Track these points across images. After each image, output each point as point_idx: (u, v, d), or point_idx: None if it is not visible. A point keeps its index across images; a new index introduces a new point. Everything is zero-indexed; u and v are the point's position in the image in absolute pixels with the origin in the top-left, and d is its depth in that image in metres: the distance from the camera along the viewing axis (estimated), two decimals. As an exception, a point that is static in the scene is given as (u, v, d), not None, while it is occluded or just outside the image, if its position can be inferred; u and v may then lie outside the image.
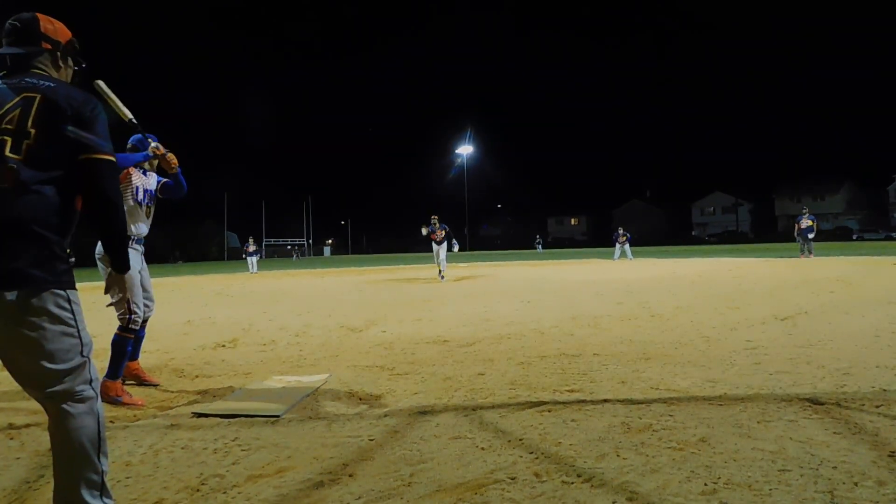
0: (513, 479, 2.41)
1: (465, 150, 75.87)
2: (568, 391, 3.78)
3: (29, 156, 1.91)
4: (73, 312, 1.94)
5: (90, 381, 1.99)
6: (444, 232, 16.66)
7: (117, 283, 2.27)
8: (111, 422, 3.41)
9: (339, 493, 2.33)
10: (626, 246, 27.90)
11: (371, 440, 2.95)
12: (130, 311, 3.99)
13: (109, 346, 3.98)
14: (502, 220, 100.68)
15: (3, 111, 1.94)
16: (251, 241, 28.67)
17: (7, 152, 1.89)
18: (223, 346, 6.18)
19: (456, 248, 17.09)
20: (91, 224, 2.05)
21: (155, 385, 4.34)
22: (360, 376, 4.43)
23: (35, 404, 3.63)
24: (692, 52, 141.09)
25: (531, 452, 2.70)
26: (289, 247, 75.54)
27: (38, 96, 1.98)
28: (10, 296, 1.81)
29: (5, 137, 1.91)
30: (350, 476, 2.50)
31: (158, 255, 62.42)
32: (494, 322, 7.25)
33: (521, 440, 2.86)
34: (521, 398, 3.65)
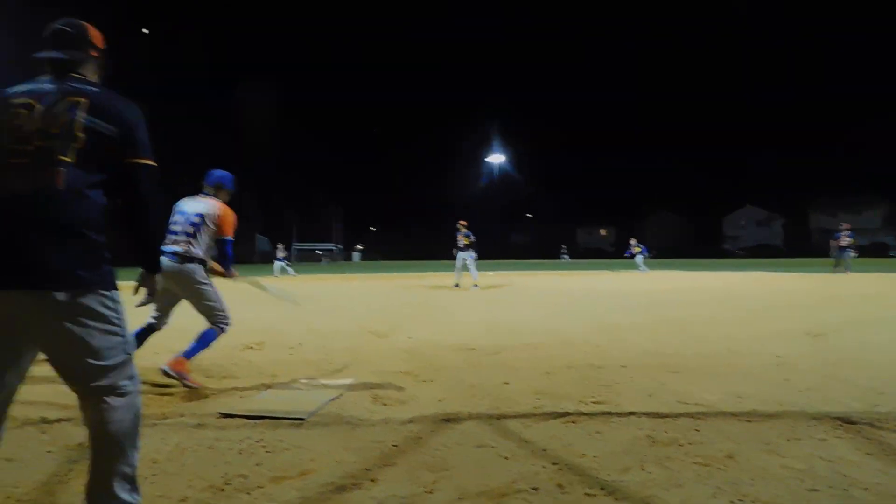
0: (535, 489, 2.40)
1: (496, 158, 75.95)
2: (593, 402, 3.75)
3: (77, 159, 1.98)
4: (116, 312, 2.03)
5: (132, 378, 2.08)
6: (469, 240, 16.61)
7: (147, 282, 2.32)
8: (140, 419, 3.47)
9: (361, 498, 2.34)
10: (639, 258, 27.53)
11: (394, 446, 2.96)
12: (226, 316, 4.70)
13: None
14: (531, 228, 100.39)
15: (51, 116, 2.00)
16: (281, 247, 29.33)
17: (57, 156, 1.96)
18: (250, 347, 6.24)
19: (473, 258, 16.83)
20: (126, 224, 2.12)
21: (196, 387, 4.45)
22: (385, 381, 4.45)
23: (66, 399, 3.70)
24: (725, 61, 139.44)
25: (554, 463, 2.68)
26: (318, 251, 76.23)
27: (85, 101, 2.04)
28: (60, 295, 1.89)
29: (55, 142, 1.97)
30: (372, 481, 2.51)
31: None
32: (520, 331, 7.22)
33: (544, 450, 2.85)
34: (545, 408, 3.63)
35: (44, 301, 1.89)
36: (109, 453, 1.99)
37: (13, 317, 1.91)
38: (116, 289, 2.05)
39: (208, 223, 4.53)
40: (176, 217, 4.52)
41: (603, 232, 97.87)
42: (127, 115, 2.10)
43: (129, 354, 2.08)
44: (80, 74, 2.20)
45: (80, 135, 1.99)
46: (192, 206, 4.56)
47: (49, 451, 2.94)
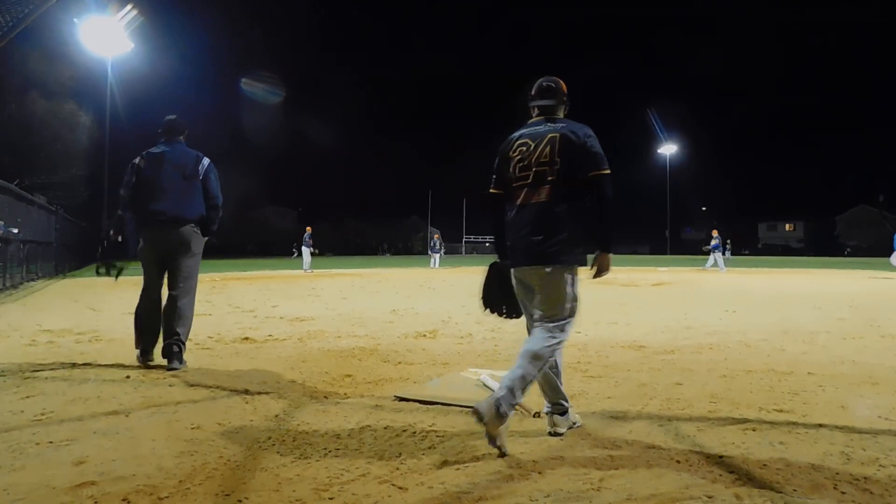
0: (710, 497, 2.28)
1: (669, 149, 72.38)
2: (776, 411, 3.49)
3: (558, 178, 3.02)
4: (573, 282, 3.06)
5: (563, 330, 3.03)
6: None
7: (603, 261, 3.11)
8: (325, 397, 3.77)
9: (528, 489, 2.37)
10: (717, 254, 24.84)
11: (561, 440, 2.96)
12: None
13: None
14: (707, 223, 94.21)
15: (540, 149, 3.06)
16: (437, 238, 30.66)
17: (547, 177, 3.03)
18: (424, 335, 6.52)
19: None
20: (597, 218, 3.06)
21: None
22: (553, 376, 4.44)
23: (264, 376, 4.13)
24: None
25: (731, 472, 2.53)
26: (488, 244, 77.40)
27: (559, 135, 3.05)
28: (548, 269, 3.00)
29: (544, 168, 3.04)
30: (539, 473, 2.53)
31: (370, 247, 67.31)
32: (695, 330, 6.87)
33: (720, 457, 2.70)
34: (721, 413, 3.44)
35: (538, 271, 3.04)
36: (527, 364, 2.90)
37: (531, 280, 3.10)
38: (583, 265, 3.09)
39: None
40: None
41: (789, 227, 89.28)
42: (583, 140, 3.04)
43: (572, 314, 3.06)
44: (556, 115, 3.24)
45: (558, 160, 3.02)
46: None
47: (251, 420, 3.30)
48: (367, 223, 76.21)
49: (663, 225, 74.54)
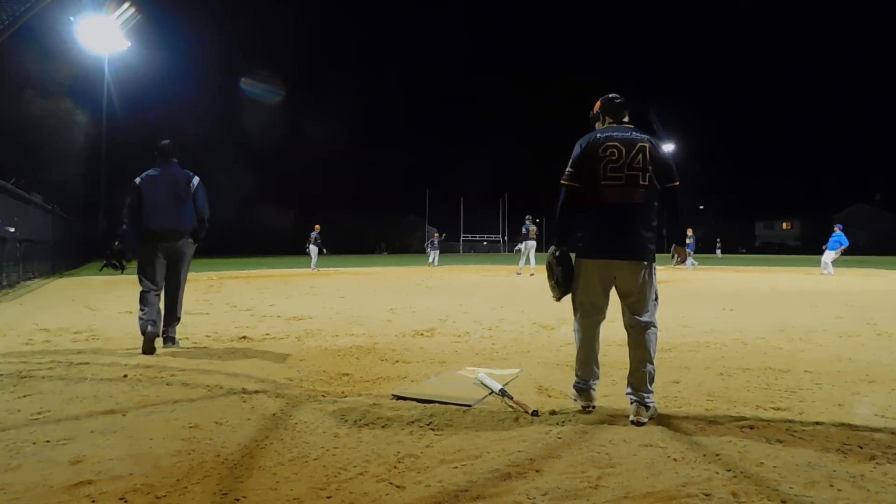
0: (707, 495, 2.29)
1: (666, 147, 72.17)
2: (773, 409, 3.50)
3: (647, 184, 3.36)
4: (654, 274, 3.44)
5: (653, 317, 3.42)
6: (534, 231, 19.30)
7: (681, 252, 3.69)
8: (322, 396, 3.77)
9: (526, 487, 2.37)
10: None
11: (559, 438, 2.96)
12: None
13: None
14: (705, 222, 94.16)
15: (633, 155, 3.36)
16: (436, 237, 30.46)
17: (640, 182, 3.35)
18: (421, 334, 6.51)
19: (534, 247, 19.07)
20: (668, 220, 3.61)
21: None
22: (551, 374, 4.45)
23: (263, 373, 4.13)
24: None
25: (728, 470, 2.54)
26: (485, 242, 77.33)
27: (648, 146, 3.40)
28: (640, 264, 3.37)
29: (637, 172, 3.35)
30: (537, 472, 2.53)
31: (367, 246, 67.32)
32: (692, 328, 6.88)
33: (717, 455, 2.71)
34: (719, 411, 3.45)
35: (632, 265, 3.36)
36: (643, 360, 3.33)
37: (616, 270, 3.40)
38: (655, 261, 3.43)
39: None
40: None
41: (786, 225, 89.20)
42: (664, 152, 3.48)
43: (656, 302, 3.47)
44: (632, 124, 3.57)
45: (649, 167, 3.36)
46: None
47: (249, 419, 3.29)
48: (365, 221, 76.14)
49: (660, 223, 74.55)
